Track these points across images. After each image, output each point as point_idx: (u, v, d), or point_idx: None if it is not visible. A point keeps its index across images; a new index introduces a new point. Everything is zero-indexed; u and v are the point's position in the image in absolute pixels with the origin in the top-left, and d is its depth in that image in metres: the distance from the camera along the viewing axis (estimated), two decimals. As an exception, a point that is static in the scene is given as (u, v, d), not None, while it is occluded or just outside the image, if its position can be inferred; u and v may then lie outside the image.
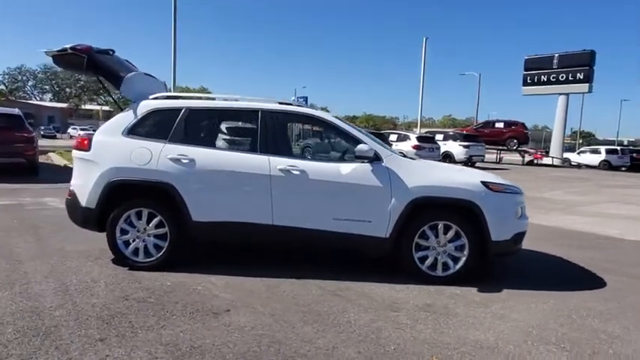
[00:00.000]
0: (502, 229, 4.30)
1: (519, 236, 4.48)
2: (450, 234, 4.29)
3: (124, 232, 4.39)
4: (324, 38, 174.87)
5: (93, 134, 4.56)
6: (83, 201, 4.40)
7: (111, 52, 4.82)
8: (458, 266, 4.31)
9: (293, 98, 49.84)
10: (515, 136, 27.05)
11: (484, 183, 4.34)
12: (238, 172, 4.28)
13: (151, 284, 3.98)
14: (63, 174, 12.64)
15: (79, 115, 73.84)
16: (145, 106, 4.55)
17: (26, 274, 4.10)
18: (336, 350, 2.92)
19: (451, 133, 24.55)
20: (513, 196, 4.44)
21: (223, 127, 4.70)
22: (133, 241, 4.39)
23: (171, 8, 18.29)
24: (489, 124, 29.61)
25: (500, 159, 29.18)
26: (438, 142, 21.59)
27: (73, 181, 4.58)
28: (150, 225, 4.37)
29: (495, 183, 4.40)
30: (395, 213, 4.22)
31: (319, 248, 4.90)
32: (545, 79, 32.85)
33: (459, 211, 4.29)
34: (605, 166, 29.59)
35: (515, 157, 30.02)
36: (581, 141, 57.79)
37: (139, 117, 4.49)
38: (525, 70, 33.97)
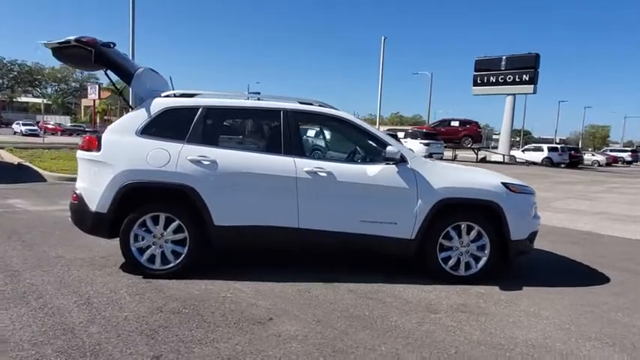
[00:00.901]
0: (520, 229, 4.44)
1: (533, 235, 4.64)
2: (473, 234, 4.37)
3: (138, 238, 4.13)
4: (283, 37, 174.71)
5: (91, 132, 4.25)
6: (93, 205, 4.09)
7: (112, 45, 4.51)
8: (480, 265, 4.40)
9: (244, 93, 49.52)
10: (470, 134, 28.15)
11: (504, 184, 4.45)
12: (263, 174, 4.14)
13: (177, 293, 3.77)
14: (19, 173, 11.80)
15: (14, 109, 68.91)
16: (159, 104, 4.30)
17: (35, 287, 3.76)
18: (401, 357, 2.89)
19: (411, 131, 25.15)
20: (529, 196, 4.60)
21: (244, 126, 4.52)
22: (149, 247, 4.13)
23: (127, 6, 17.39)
24: (445, 122, 30.62)
25: (455, 156, 30.25)
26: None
27: (79, 184, 4.24)
28: (167, 230, 4.13)
29: (514, 184, 4.53)
30: (421, 214, 4.25)
31: (344, 251, 4.84)
32: (494, 80, 34.34)
33: (482, 212, 4.38)
34: (548, 162, 31.42)
35: (470, 154, 31.21)
36: (517, 139, 60.88)
37: (152, 116, 4.23)
38: (475, 70, 35.36)
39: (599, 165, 40.20)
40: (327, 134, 5.09)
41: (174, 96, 4.46)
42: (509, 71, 33.66)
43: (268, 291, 3.94)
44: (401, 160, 4.26)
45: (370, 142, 4.48)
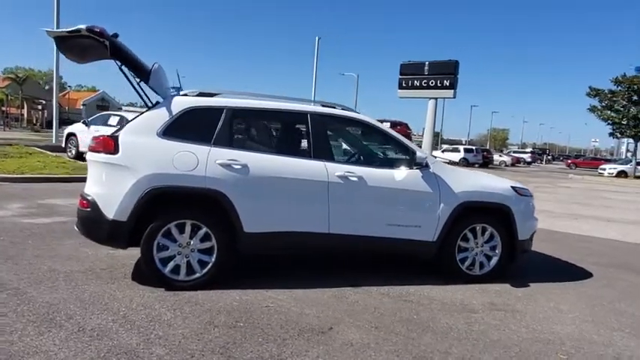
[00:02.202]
0: (525, 229, 4.77)
1: (533, 235, 5.01)
2: (486, 235, 4.62)
3: (162, 247, 3.82)
4: (221, 38, 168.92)
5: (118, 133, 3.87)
6: (110, 213, 3.72)
7: (117, 36, 4.13)
8: (492, 265, 4.66)
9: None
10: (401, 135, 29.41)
11: (513, 188, 4.76)
12: (296, 179, 4.03)
13: (216, 306, 3.56)
14: None
15: None
16: (180, 103, 4.01)
17: (55, 306, 3.33)
18: (475, 357, 2.99)
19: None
20: (530, 199, 4.95)
21: (269, 129, 4.36)
22: (173, 257, 3.85)
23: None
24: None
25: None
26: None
27: (91, 189, 3.84)
28: (194, 239, 3.87)
29: (520, 187, 4.85)
30: (443, 217, 4.40)
31: (369, 254, 4.85)
32: (418, 84, 36.05)
33: (494, 214, 4.64)
34: (464, 162, 33.77)
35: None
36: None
37: (174, 116, 3.94)
38: (401, 74, 36.81)
39: (506, 165, 43.92)
40: (352, 138, 5.07)
41: (191, 95, 4.19)
42: (432, 76, 35.50)
43: (305, 298, 3.85)
44: (425, 165, 4.38)
45: (394, 146, 4.55)
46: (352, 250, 4.38)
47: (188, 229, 3.85)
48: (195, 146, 3.88)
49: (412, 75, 37.44)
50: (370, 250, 4.41)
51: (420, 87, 37.23)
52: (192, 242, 3.87)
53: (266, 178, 3.96)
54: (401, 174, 4.34)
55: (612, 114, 25.76)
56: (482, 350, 3.10)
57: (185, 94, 4.16)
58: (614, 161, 39.49)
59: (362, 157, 4.80)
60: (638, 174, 27.72)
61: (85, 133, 13.88)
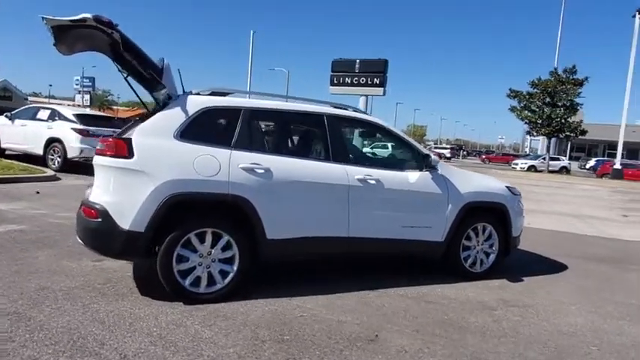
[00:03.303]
0: (517, 226, 5.06)
1: (521, 231, 5.32)
2: (486, 234, 4.83)
3: (182, 259, 3.55)
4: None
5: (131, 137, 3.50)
6: (125, 223, 3.37)
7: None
8: (490, 261, 4.88)
9: (76, 78, 43.55)
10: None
11: (508, 187, 5.01)
12: (319, 183, 3.93)
13: (249, 319, 3.37)
14: None
15: None
16: (196, 103, 3.74)
17: (76, 331, 2.95)
18: (526, 356, 3.11)
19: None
20: (519, 197, 5.24)
21: (286, 131, 4.19)
22: (193, 269, 3.59)
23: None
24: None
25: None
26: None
27: (100, 197, 3.45)
28: (216, 248, 3.64)
29: (512, 187, 5.12)
30: (450, 218, 4.53)
31: (383, 256, 4.83)
32: (349, 81, 36.66)
33: (493, 213, 4.86)
34: (394, 158, 35.06)
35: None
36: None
37: (191, 117, 3.66)
38: (332, 71, 37.13)
39: (430, 160, 46.18)
40: (364, 141, 5.01)
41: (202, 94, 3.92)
42: (363, 74, 36.31)
43: (332, 305, 3.78)
44: (435, 167, 4.47)
45: (405, 149, 4.59)
46: (369, 253, 4.36)
47: (209, 238, 3.60)
48: (216, 149, 3.64)
49: (343, 72, 37.93)
50: (385, 252, 4.43)
51: (351, 84, 37.84)
52: (213, 252, 3.63)
53: (289, 182, 3.82)
54: (413, 176, 4.39)
55: (529, 114, 28.23)
56: (525, 347, 3.24)
57: (197, 93, 3.88)
58: (525, 157, 43.12)
59: (376, 160, 4.79)
60: (551, 169, 30.63)
61: (8, 127, 12.48)
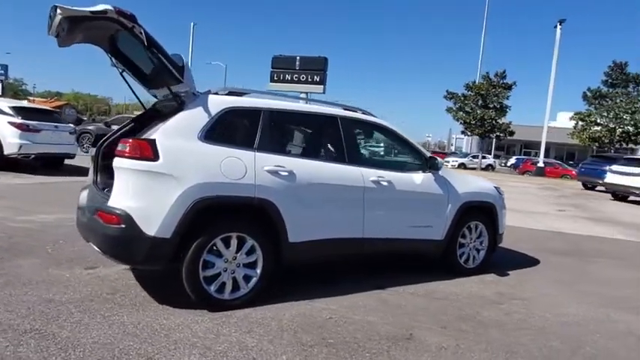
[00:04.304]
0: (503, 224, 5.40)
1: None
2: (478, 231, 5.10)
3: (208, 265, 3.43)
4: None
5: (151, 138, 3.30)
6: (150, 229, 3.19)
7: None
8: (480, 257, 5.17)
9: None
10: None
11: (495, 187, 5.32)
12: (338, 185, 3.96)
13: (284, 323, 3.33)
14: None
15: None
16: (218, 103, 3.61)
17: (115, 347, 2.76)
18: (550, 347, 3.35)
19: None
20: (503, 196, 5.59)
21: (306, 133, 4.15)
22: (218, 275, 3.48)
23: None
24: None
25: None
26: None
27: (121, 202, 3.23)
28: (240, 252, 3.55)
29: (498, 187, 5.45)
30: (450, 217, 4.74)
31: (390, 256, 4.89)
32: (289, 78, 36.64)
33: (484, 212, 5.14)
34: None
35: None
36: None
37: (214, 118, 3.53)
38: (272, 67, 36.99)
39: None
40: (372, 143, 5.07)
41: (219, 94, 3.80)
42: (303, 71, 36.48)
43: (354, 305, 3.83)
44: (439, 169, 4.66)
45: (410, 151, 4.73)
46: (380, 252, 4.45)
47: (234, 242, 3.51)
48: (241, 151, 3.55)
49: (283, 69, 37.89)
50: (394, 251, 4.55)
51: (292, 81, 37.84)
52: (238, 257, 3.53)
53: (311, 184, 3.80)
54: (419, 177, 4.54)
55: (464, 115, 29.94)
56: (546, 338, 3.48)
57: (216, 93, 3.74)
58: (455, 154, 45.57)
59: (385, 162, 4.88)
60: (482, 167, 32.65)
61: None
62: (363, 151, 4.54)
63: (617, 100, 27.74)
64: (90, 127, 17.78)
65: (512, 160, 45.22)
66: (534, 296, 4.52)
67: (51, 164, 11.50)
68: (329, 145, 4.25)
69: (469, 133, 31.51)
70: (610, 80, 28.62)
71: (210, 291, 3.43)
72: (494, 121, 28.55)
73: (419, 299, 4.13)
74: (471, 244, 5.05)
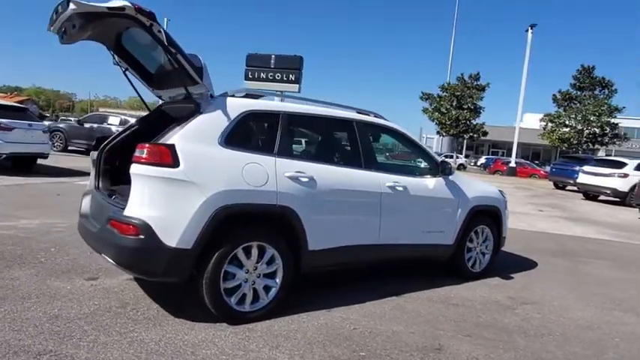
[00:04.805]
0: (506, 227, 5.43)
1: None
2: (484, 235, 5.11)
3: (228, 276, 3.27)
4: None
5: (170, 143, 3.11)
6: (171, 240, 3.01)
7: None
8: (485, 261, 5.18)
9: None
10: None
11: (499, 191, 5.34)
12: (356, 191, 3.86)
13: (309, 335, 3.22)
14: None
15: None
16: (237, 106, 3.45)
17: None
18: (574, 353, 3.36)
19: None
20: (506, 200, 5.62)
21: (323, 137, 4.03)
22: (239, 286, 3.32)
23: None
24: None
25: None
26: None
27: (139, 211, 3.02)
28: (261, 262, 3.40)
29: (502, 190, 5.47)
30: (459, 221, 4.72)
31: (403, 262, 4.81)
32: (264, 77, 36.22)
33: (490, 216, 5.15)
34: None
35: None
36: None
37: (233, 121, 3.37)
38: (247, 65, 36.43)
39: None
40: (388, 148, 4.98)
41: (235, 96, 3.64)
42: (278, 70, 36.16)
43: (372, 314, 3.74)
44: (451, 174, 4.62)
45: (422, 156, 4.67)
46: (394, 258, 4.38)
47: (255, 252, 3.36)
48: (262, 157, 3.40)
49: (258, 67, 37.42)
50: (407, 257, 4.49)
51: (267, 79, 37.37)
52: (258, 267, 3.39)
53: (331, 191, 3.69)
54: (431, 182, 4.50)
55: (439, 115, 30.40)
56: (569, 344, 3.49)
57: (232, 95, 3.58)
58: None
59: (399, 166, 4.80)
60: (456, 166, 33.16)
61: None
62: (377, 155, 4.44)
63: (585, 103, 28.81)
64: (61, 126, 17.04)
65: (482, 160, 46.16)
66: (544, 300, 4.55)
67: (22, 164, 10.92)
68: (346, 150, 4.15)
69: (444, 134, 32.06)
70: (578, 83, 29.70)
71: (231, 303, 3.27)
72: (468, 122, 29.13)
73: (435, 306, 4.08)
74: (477, 248, 5.05)
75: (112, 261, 3.11)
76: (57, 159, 13.48)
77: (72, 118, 17.77)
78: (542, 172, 32.47)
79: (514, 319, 3.92)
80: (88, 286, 3.84)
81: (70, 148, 16.84)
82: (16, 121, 10.37)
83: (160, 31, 3.01)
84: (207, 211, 3.07)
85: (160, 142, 3.15)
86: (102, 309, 3.38)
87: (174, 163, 3.04)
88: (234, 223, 3.23)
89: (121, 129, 15.67)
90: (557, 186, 22.06)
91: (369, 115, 4.40)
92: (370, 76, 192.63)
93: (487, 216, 5.11)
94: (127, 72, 4.07)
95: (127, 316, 3.29)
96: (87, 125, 16.60)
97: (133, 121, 17.16)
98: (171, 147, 3.07)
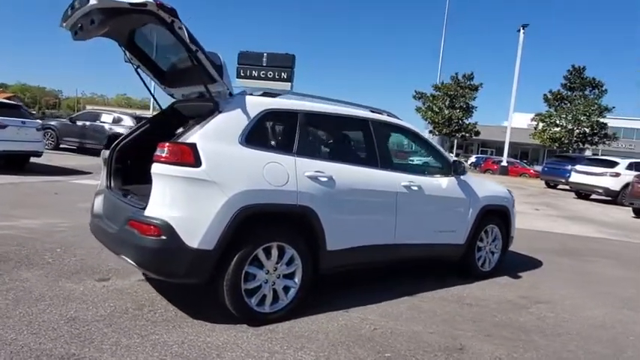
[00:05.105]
0: (514, 227, 5.45)
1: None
2: (494, 234, 5.12)
3: (249, 277, 3.23)
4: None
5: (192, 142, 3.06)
6: (194, 241, 2.96)
7: None
8: (494, 261, 5.19)
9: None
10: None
11: (508, 190, 5.36)
12: (374, 191, 3.84)
13: (332, 337, 3.19)
14: None
15: None
16: (258, 105, 3.40)
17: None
18: (593, 352, 3.37)
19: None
20: (514, 199, 5.64)
21: (340, 136, 4.00)
22: (259, 287, 3.29)
23: None
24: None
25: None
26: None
27: (161, 212, 2.97)
28: (281, 262, 3.37)
29: (510, 190, 5.49)
30: (471, 221, 4.73)
31: (417, 261, 4.79)
32: (256, 75, 36.02)
33: (499, 215, 5.17)
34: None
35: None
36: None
37: (253, 120, 3.32)
38: (239, 63, 36.24)
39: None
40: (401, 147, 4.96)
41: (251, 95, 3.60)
42: (270, 68, 36.04)
43: (391, 314, 3.73)
44: (463, 174, 4.63)
45: (435, 155, 4.67)
46: (409, 258, 4.37)
47: (275, 252, 3.32)
48: (282, 156, 3.36)
49: (250, 65, 37.34)
50: (421, 257, 4.48)
51: (259, 77, 37.19)
52: (278, 267, 3.35)
53: (349, 190, 3.67)
54: (444, 181, 4.50)
55: (432, 114, 30.52)
56: (587, 342, 3.51)
57: (250, 94, 3.53)
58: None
59: (413, 166, 4.79)
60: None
61: None
62: (393, 155, 4.42)
63: (576, 103, 29.17)
64: (53, 123, 16.76)
65: (473, 159, 46.43)
66: (555, 299, 4.57)
67: (15, 163, 10.72)
68: (362, 149, 4.12)
69: (437, 133, 32.20)
70: (569, 84, 30.05)
71: (252, 304, 3.23)
72: (460, 121, 29.31)
73: (450, 305, 4.08)
74: (487, 247, 5.06)
75: (132, 262, 3.05)
76: (49, 157, 13.25)
77: (54, 120, 17.32)
78: (532, 171, 32.80)
79: (529, 319, 3.93)
80: (100, 287, 3.77)
81: (61, 146, 16.60)
82: (9, 119, 10.17)
83: (180, 28, 2.94)
84: (229, 211, 3.02)
85: (180, 140, 3.10)
86: (118, 311, 3.31)
87: (196, 162, 2.99)
88: (256, 224, 3.19)
89: (114, 127, 15.61)
90: (549, 185, 22.28)
91: (382, 114, 4.38)
92: (366, 74, 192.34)
93: (496, 215, 5.12)
94: (138, 70, 4.01)
95: (145, 317, 3.24)
96: (79, 123, 16.36)
97: (126, 118, 16.79)
98: (193, 146, 3.02)
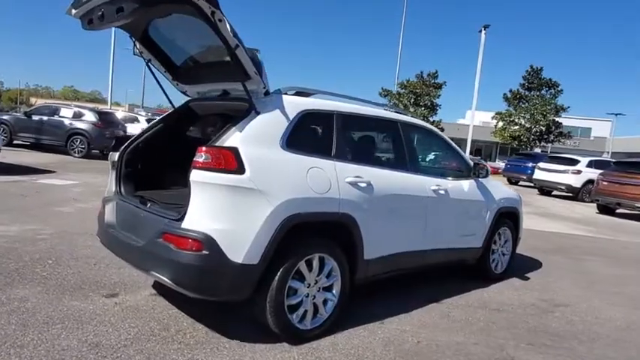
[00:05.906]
0: (522, 228, 5.46)
1: (520, 232, 5.73)
2: (506, 236, 5.10)
3: (291, 292, 2.99)
4: None
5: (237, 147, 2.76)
6: (238, 255, 2.69)
7: None
8: (505, 263, 5.18)
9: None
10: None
11: (518, 194, 5.36)
12: (408, 196, 3.69)
13: (379, 354, 3.02)
14: None
15: None
16: (295, 105, 3.15)
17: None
18: (631, 358, 3.37)
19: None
20: (522, 201, 5.65)
21: (373, 139, 3.80)
22: (301, 302, 3.05)
23: None
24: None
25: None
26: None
27: (202, 224, 2.67)
28: (321, 275, 3.15)
29: (517, 193, 5.49)
30: (488, 223, 4.68)
31: (440, 267, 4.65)
32: (219, 69, 35.38)
33: (510, 218, 5.15)
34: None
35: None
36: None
37: (292, 122, 3.07)
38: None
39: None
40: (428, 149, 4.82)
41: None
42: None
43: (422, 324, 3.60)
44: (485, 177, 4.55)
45: (456, 158, 4.56)
46: (435, 264, 4.25)
47: (316, 264, 3.10)
48: (322, 161, 3.13)
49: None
50: (445, 262, 4.37)
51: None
52: (319, 280, 3.13)
53: (385, 196, 3.48)
54: (466, 184, 4.41)
55: (398, 112, 30.46)
56: (623, 347, 3.52)
57: (285, 93, 3.28)
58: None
59: (437, 169, 4.66)
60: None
61: None
62: (418, 157, 4.27)
63: (534, 102, 30.30)
64: (5, 117, 15.53)
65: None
66: (571, 301, 4.59)
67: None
68: (393, 152, 3.95)
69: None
70: (527, 84, 31.17)
71: (294, 321, 3.00)
72: (425, 119, 29.66)
73: (478, 312, 4.00)
74: (500, 249, 5.03)
75: (166, 280, 2.73)
76: (3, 154, 12.28)
77: (6, 114, 16.06)
78: (491, 167, 33.87)
79: (559, 323, 3.91)
80: (113, 305, 3.40)
81: (15, 142, 15.44)
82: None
83: (221, 20, 2.65)
84: (274, 221, 2.77)
85: (217, 144, 2.81)
86: (144, 333, 2.99)
87: (240, 168, 2.71)
88: (300, 234, 2.95)
89: (75, 122, 14.87)
90: (510, 181, 23.01)
91: (406, 114, 4.22)
92: (330, 72, 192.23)
93: (508, 217, 5.10)
94: (150, 63, 3.66)
95: (176, 340, 2.93)
96: (35, 118, 15.25)
97: (87, 113, 15.81)
98: (235, 150, 2.74)
